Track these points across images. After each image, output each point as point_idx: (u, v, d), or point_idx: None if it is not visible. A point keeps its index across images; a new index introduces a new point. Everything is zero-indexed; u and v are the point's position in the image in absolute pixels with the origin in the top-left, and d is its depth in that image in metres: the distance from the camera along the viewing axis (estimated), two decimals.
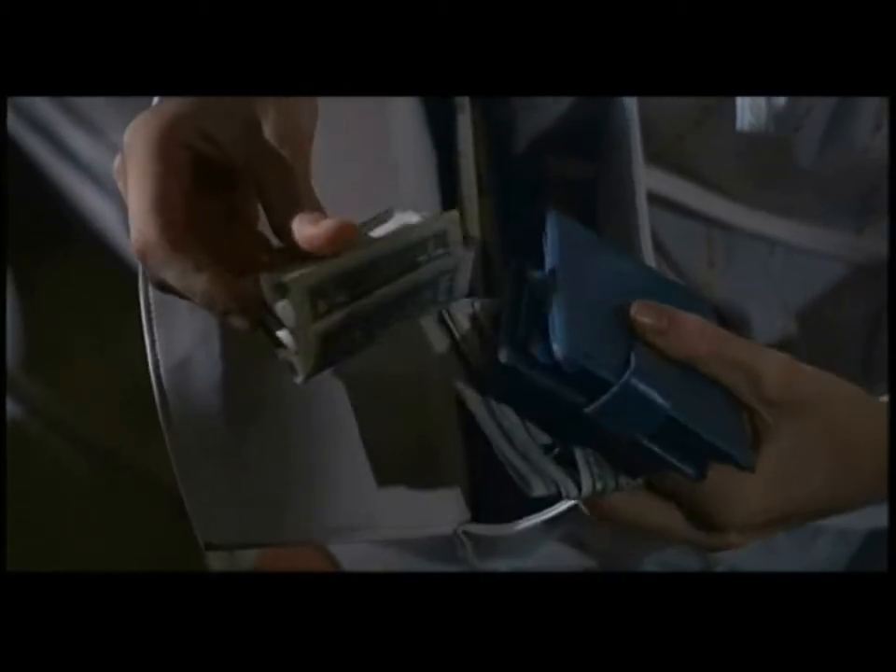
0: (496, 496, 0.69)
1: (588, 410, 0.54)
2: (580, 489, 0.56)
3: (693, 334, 0.55)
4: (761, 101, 0.69)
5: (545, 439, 0.57)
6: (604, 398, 0.53)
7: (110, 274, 0.65)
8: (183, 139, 0.54)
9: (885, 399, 0.60)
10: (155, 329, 0.59)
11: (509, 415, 0.57)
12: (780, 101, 0.69)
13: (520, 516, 0.66)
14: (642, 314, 0.55)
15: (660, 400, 0.53)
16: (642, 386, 0.53)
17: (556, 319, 0.54)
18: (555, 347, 0.53)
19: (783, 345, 0.76)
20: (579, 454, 0.56)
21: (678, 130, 0.73)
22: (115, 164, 0.55)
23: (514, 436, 0.57)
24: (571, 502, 0.61)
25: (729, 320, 0.76)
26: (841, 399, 0.58)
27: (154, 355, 0.59)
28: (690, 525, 0.58)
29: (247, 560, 0.83)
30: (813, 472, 0.57)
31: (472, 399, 0.57)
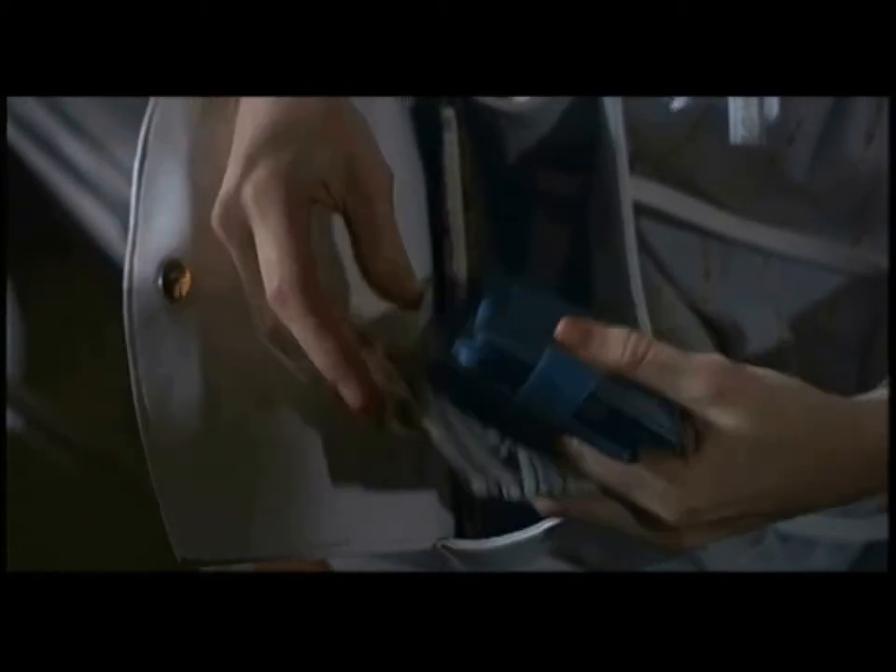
0: (480, 510, 0.68)
1: (515, 397, 0.55)
2: (521, 490, 0.57)
3: (615, 342, 0.55)
4: (753, 114, 0.68)
5: (493, 440, 0.58)
6: (528, 379, 0.54)
7: (109, 285, 0.65)
8: (311, 191, 0.57)
9: (859, 400, 0.59)
10: (137, 347, 0.60)
11: (455, 415, 0.58)
12: (772, 113, 0.69)
13: (505, 532, 0.65)
14: (565, 330, 0.55)
15: (583, 373, 0.54)
16: (564, 360, 0.54)
17: (482, 316, 0.57)
18: (477, 334, 0.55)
19: (778, 357, 0.76)
20: (522, 455, 0.57)
21: (671, 142, 0.73)
22: (220, 219, 0.58)
23: (459, 435, 0.58)
24: (552, 522, 0.61)
25: (724, 332, 0.76)
26: (789, 401, 0.57)
27: (136, 373, 0.60)
28: (640, 524, 0.57)
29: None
30: (762, 471, 0.56)
31: (425, 398, 0.58)
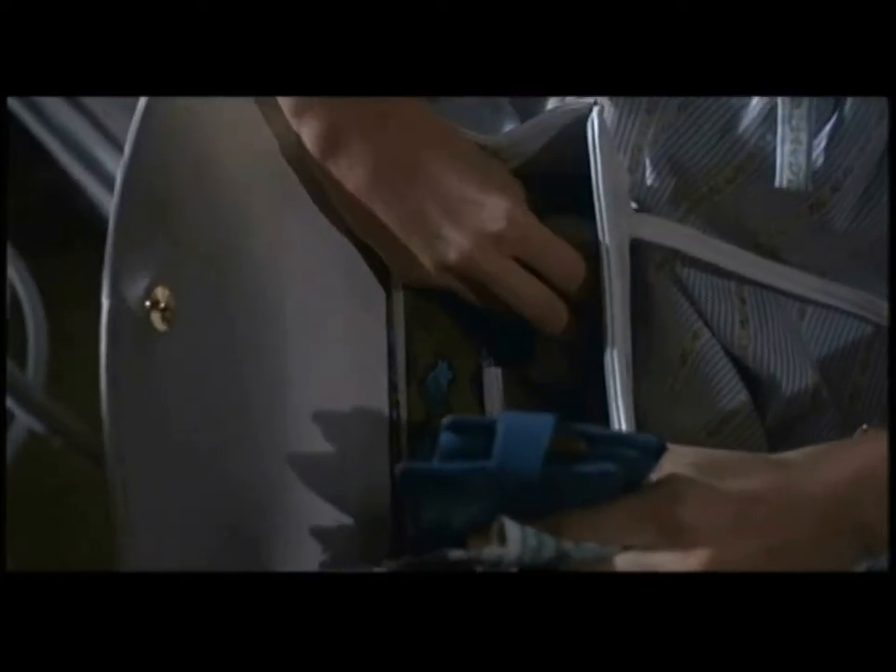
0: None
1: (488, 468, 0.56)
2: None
3: None
4: (801, 159, 0.69)
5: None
6: (494, 444, 0.55)
7: None
8: None
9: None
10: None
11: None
12: (819, 160, 0.70)
13: None
14: None
15: (541, 418, 0.56)
16: (520, 416, 0.56)
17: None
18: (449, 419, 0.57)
19: (812, 409, 0.75)
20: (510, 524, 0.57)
21: (710, 185, 0.73)
22: None
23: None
24: None
25: (759, 383, 0.75)
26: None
27: None
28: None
29: None
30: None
31: None
